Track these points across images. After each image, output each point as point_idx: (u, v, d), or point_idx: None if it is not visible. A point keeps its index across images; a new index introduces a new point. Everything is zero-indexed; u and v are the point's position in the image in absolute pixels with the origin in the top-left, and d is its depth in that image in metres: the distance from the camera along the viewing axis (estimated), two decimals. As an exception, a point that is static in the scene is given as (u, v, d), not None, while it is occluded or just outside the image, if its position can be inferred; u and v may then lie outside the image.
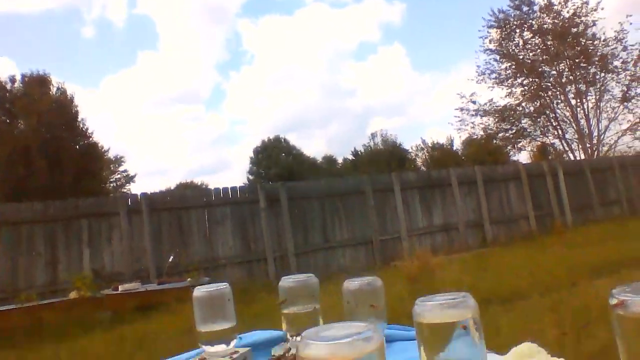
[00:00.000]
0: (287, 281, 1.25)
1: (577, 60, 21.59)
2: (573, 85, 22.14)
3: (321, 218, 10.03)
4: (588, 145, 21.79)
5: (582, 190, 13.26)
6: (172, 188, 32.63)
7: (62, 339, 5.35)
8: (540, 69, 22.33)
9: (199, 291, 1.20)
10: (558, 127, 23.06)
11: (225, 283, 1.23)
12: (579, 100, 22.19)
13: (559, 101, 22.97)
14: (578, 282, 5.50)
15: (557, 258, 7.40)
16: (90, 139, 21.55)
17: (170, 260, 8.25)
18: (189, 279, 7.32)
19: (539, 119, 23.45)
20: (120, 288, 7.09)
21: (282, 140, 35.50)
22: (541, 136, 24.06)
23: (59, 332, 5.66)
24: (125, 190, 25.43)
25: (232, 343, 1.21)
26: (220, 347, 1.19)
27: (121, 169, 26.11)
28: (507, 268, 7.04)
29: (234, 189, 9.50)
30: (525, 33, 22.28)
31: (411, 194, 11.02)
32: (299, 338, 1.23)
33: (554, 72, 22.39)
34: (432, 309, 0.71)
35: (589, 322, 3.89)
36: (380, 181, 10.91)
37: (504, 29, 22.24)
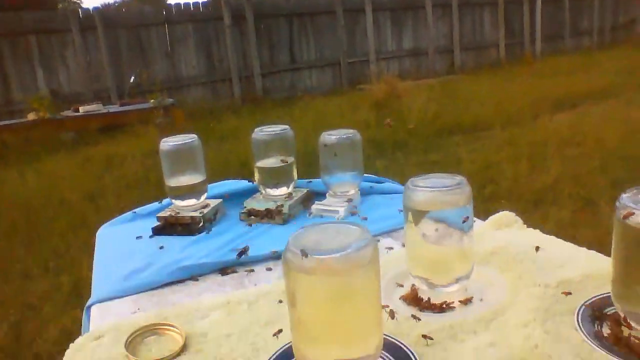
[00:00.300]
0: (260, 134, 1.17)
1: None
2: None
3: (288, 38, 9.62)
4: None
5: (556, 19, 12.94)
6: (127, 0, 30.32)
7: (25, 161, 5.32)
8: None
9: (166, 144, 1.11)
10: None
11: (194, 135, 1.14)
12: None
13: None
14: (540, 114, 5.62)
15: (523, 88, 7.45)
16: None
17: (131, 80, 7.94)
18: (152, 100, 7.13)
19: None
20: (81, 109, 6.88)
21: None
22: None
23: (21, 154, 5.61)
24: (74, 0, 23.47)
25: (203, 197, 1.17)
26: (191, 202, 1.15)
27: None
28: (473, 96, 7.08)
29: (195, 4, 8.84)
30: None
31: (383, 16, 10.55)
32: (271, 191, 1.20)
33: None
34: (424, 196, 0.66)
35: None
36: (352, 0, 10.31)
37: None
